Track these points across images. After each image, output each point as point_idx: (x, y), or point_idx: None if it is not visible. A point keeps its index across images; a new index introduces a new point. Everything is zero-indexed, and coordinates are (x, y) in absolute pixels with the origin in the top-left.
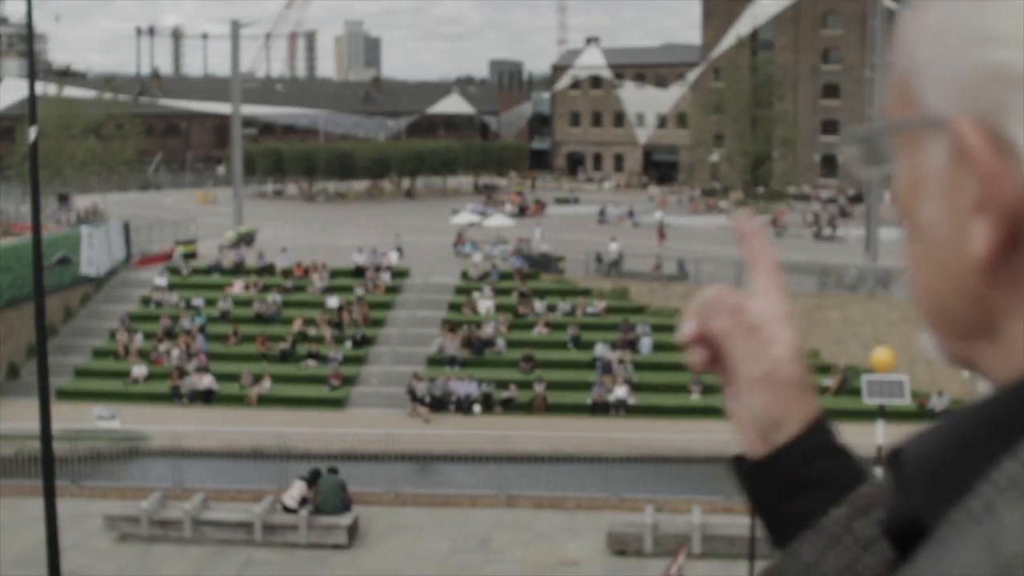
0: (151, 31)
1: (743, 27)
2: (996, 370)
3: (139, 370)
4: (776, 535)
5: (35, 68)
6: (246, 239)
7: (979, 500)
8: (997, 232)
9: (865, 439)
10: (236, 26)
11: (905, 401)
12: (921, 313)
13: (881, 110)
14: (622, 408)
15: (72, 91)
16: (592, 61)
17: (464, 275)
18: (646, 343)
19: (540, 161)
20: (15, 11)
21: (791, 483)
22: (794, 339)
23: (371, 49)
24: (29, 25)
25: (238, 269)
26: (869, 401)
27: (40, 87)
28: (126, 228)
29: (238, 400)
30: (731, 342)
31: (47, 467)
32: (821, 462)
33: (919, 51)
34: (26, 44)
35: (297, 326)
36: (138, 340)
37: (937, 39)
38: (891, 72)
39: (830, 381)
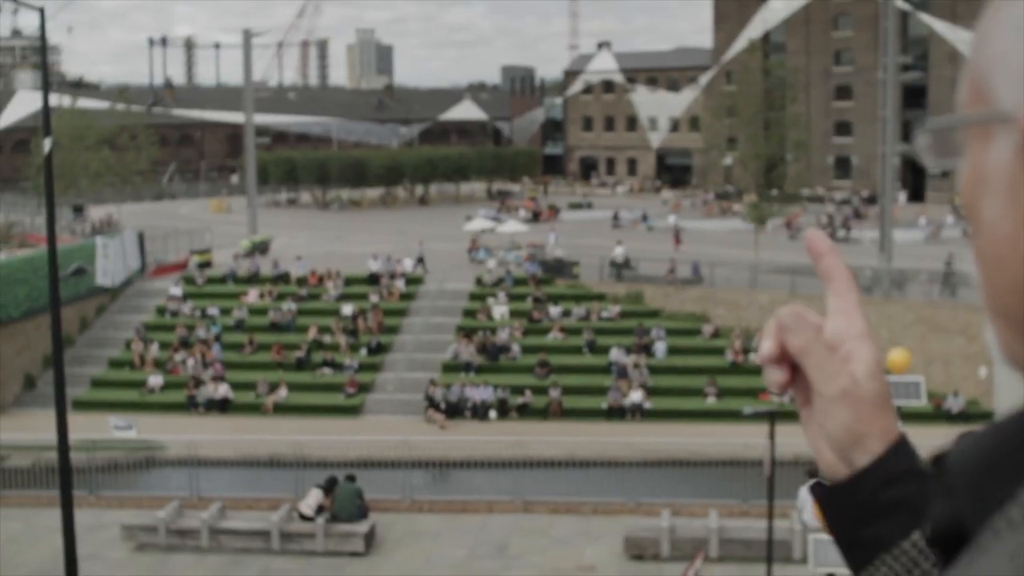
0: (163, 41)
1: (754, 30)
2: None
3: (155, 380)
4: (853, 559)
5: (49, 80)
6: (260, 248)
7: (1020, 507)
8: None
9: None
10: (248, 35)
11: (921, 402)
12: (985, 308)
13: (956, 102)
14: (638, 412)
15: (85, 102)
16: (604, 66)
17: (478, 281)
18: (661, 347)
19: (553, 166)
20: (28, 24)
21: (871, 507)
22: (873, 357)
23: (383, 57)
24: (42, 37)
25: (253, 278)
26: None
27: (54, 99)
28: (141, 238)
29: (254, 409)
30: (809, 361)
31: (64, 477)
32: (902, 486)
33: (995, 46)
34: (40, 56)
35: (312, 334)
36: (154, 350)
37: (1013, 35)
38: (968, 65)
39: None
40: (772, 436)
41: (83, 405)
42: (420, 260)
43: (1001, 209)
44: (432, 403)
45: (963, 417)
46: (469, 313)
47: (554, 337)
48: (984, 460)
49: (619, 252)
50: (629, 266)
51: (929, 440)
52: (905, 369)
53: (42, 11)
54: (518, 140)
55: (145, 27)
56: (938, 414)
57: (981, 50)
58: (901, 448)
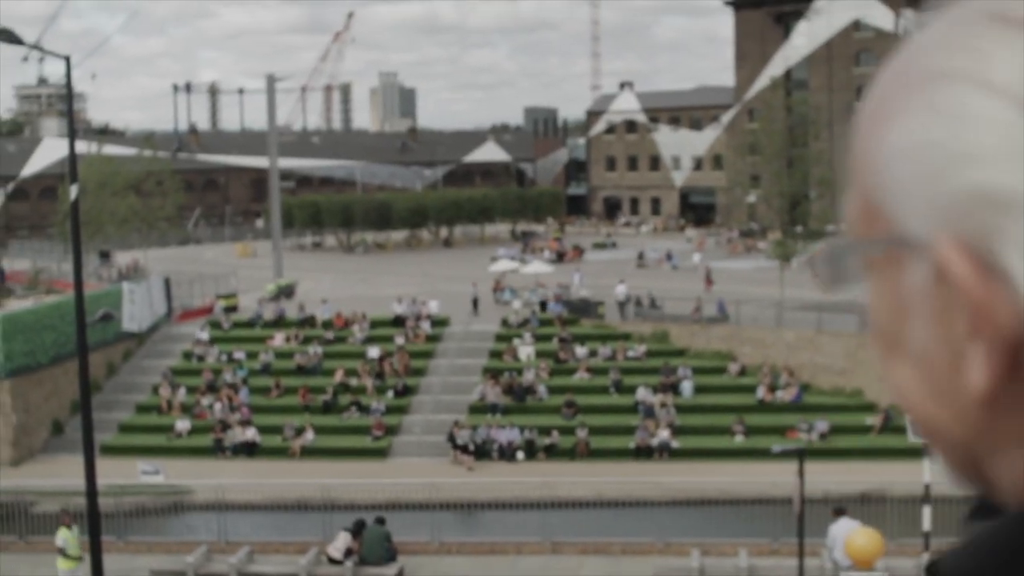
0: (188, 87)
1: (776, 68)
2: (1014, 494)
3: (182, 424)
4: None
5: (75, 127)
6: (286, 291)
7: None
8: (995, 362)
9: (912, 477)
10: (272, 80)
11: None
12: (926, 440)
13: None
14: (665, 452)
15: (111, 149)
16: (626, 105)
17: (504, 322)
18: (687, 386)
19: (577, 206)
20: (54, 71)
21: None
22: None
23: (406, 100)
24: (68, 85)
25: (279, 321)
26: (915, 439)
27: (80, 146)
28: (167, 283)
29: (281, 452)
30: None
31: (93, 523)
32: None
33: (889, 171)
34: (66, 104)
35: (339, 377)
36: (181, 394)
37: (909, 159)
38: (852, 185)
39: (874, 420)
40: (801, 474)
41: (111, 450)
42: (475, 302)
43: (930, 338)
44: (456, 445)
45: None
46: (495, 354)
47: (580, 377)
48: (981, 572)
49: (620, 290)
50: (654, 304)
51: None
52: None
53: (68, 60)
54: (542, 181)
55: (170, 73)
56: None
57: (868, 171)
58: None
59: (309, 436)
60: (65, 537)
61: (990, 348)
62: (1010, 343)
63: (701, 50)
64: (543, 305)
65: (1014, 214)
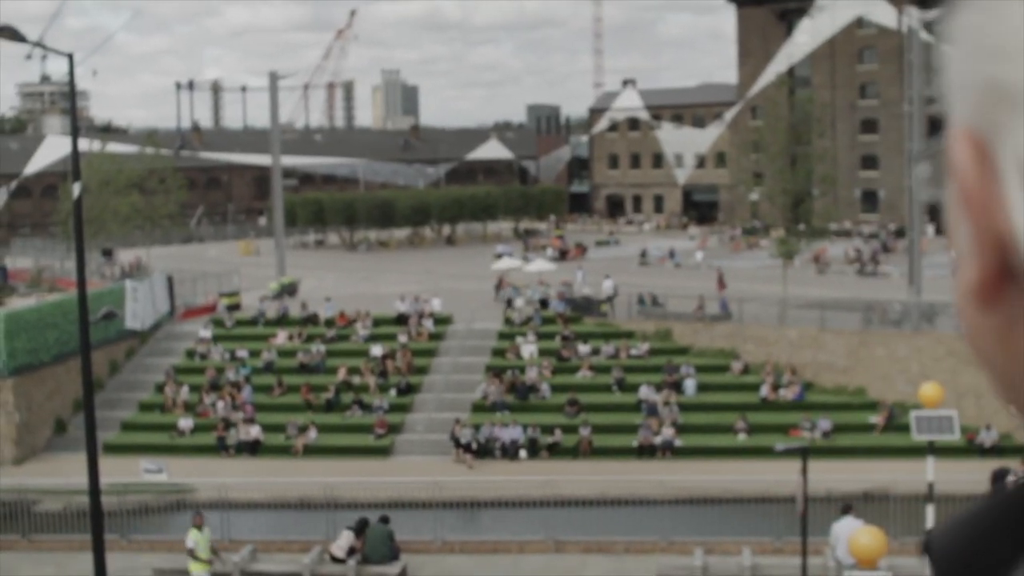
0: (191, 85)
1: (779, 65)
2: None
3: (185, 423)
4: None
5: (77, 125)
6: (289, 290)
7: None
8: (983, 264)
9: (915, 476)
10: (275, 78)
11: (955, 437)
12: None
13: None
14: (668, 450)
15: (114, 147)
16: (629, 103)
17: (507, 320)
18: (690, 384)
19: (580, 204)
20: (57, 69)
21: None
22: None
23: (409, 97)
24: (71, 83)
25: (282, 320)
26: (918, 437)
27: (83, 144)
28: (170, 281)
29: (284, 451)
30: None
31: (96, 521)
32: None
33: (947, 58)
34: (68, 101)
35: (341, 375)
36: (184, 393)
37: (955, 46)
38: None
39: (877, 418)
40: (804, 472)
41: (114, 448)
42: (509, 302)
43: (955, 229)
44: (458, 443)
45: (996, 451)
46: (498, 352)
47: (583, 375)
48: (968, 547)
49: (608, 285)
50: (656, 302)
51: (963, 474)
52: (938, 403)
53: (71, 57)
54: (544, 178)
55: (174, 71)
56: (971, 448)
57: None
58: None
59: (312, 434)
60: (196, 539)
61: (981, 247)
62: (999, 246)
63: (705, 47)
64: (544, 303)
65: (1017, 111)
